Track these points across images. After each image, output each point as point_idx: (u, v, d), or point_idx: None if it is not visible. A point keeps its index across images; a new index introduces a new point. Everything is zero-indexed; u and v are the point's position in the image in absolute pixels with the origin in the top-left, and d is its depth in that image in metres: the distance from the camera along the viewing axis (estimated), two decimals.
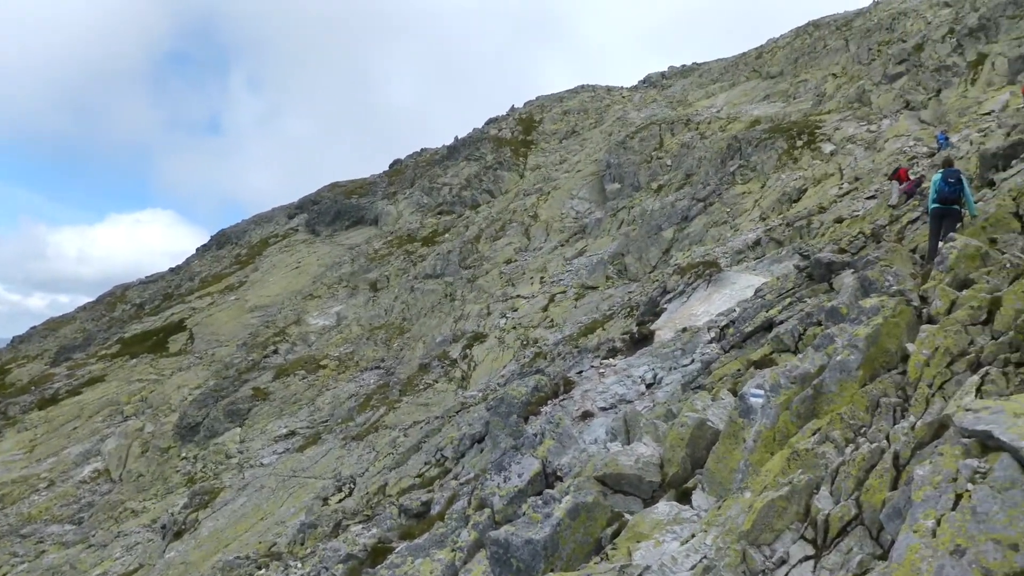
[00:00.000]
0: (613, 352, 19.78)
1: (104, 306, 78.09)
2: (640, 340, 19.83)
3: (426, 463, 22.57)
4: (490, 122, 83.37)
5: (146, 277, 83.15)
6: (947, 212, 11.21)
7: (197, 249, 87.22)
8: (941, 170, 11.55)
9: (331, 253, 69.78)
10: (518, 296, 46.47)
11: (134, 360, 57.95)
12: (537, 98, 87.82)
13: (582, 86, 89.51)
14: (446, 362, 42.57)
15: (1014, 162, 14.02)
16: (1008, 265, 7.86)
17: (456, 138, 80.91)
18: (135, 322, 67.74)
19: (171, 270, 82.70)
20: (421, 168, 78.73)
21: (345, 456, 34.79)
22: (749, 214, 36.38)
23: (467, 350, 42.59)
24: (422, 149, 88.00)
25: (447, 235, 62.27)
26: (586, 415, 14.62)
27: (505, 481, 9.85)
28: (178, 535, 33.55)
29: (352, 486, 27.58)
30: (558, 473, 9.89)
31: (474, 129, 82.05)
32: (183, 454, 43.62)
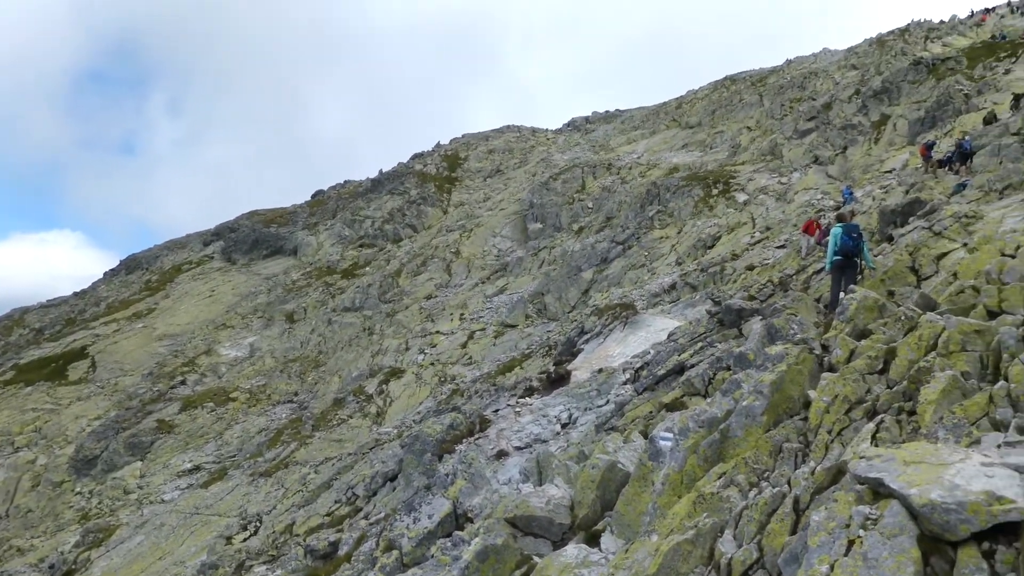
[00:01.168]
0: (530, 391, 19.83)
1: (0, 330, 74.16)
2: (557, 380, 19.94)
3: (336, 501, 22.04)
4: (415, 157, 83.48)
5: (48, 301, 79.24)
6: (848, 264, 11.74)
7: (105, 273, 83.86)
8: (842, 225, 12.07)
9: (247, 282, 68.16)
10: (437, 332, 46.23)
11: (29, 388, 55.00)
12: (463, 136, 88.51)
13: (508, 126, 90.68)
14: (362, 397, 41.87)
15: (911, 219, 14.79)
16: (903, 317, 8.25)
17: (381, 171, 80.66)
18: (33, 348, 64.43)
19: (75, 294, 79.13)
20: (344, 200, 78.03)
21: (252, 493, 33.66)
22: (666, 258, 37.25)
23: (384, 385, 42.02)
24: (345, 181, 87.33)
25: (368, 268, 61.68)
26: (501, 454, 14.56)
27: (415, 522, 9.69)
28: (68, 575, 31.75)
29: (258, 524, 26.68)
30: (469, 514, 9.80)
31: (399, 163, 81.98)
32: (77, 489, 41.46)
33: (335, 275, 62.68)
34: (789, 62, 71.50)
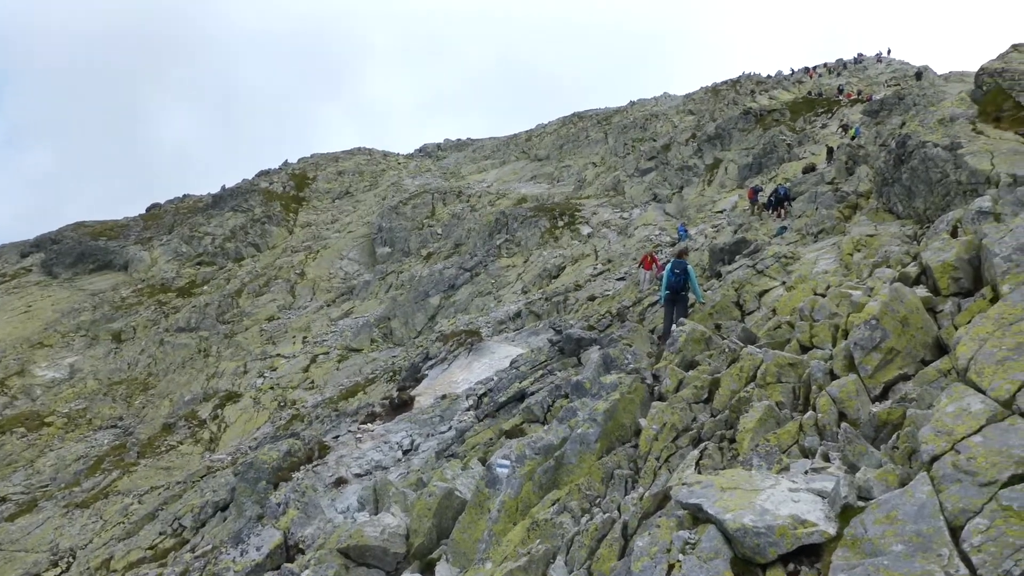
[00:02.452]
0: (372, 417, 19.55)
1: None
2: (400, 405, 19.78)
3: (161, 533, 20.73)
4: (261, 174, 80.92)
5: None
6: (676, 298, 12.37)
7: None
8: (671, 261, 12.74)
9: (70, 298, 63.30)
10: (278, 355, 44.70)
11: None
12: (312, 155, 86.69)
13: (359, 148, 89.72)
14: (194, 422, 39.70)
15: (738, 257, 15.79)
16: (727, 350, 8.75)
17: (224, 187, 77.49)
18: None
19: None
20: (182, 215, 74.28)
21: (66, 526, 31.03)
22: (512, 287, 37.86)
23: (218, 410, 40.05)
24: (185, 195, 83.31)
25: (206, 287, 58.91)
26: (340, 482, 14.23)
27: (242, 554, 9.24)
28: None
29: (71, 560, 24.64)
30: (301, 545, 9.46)
31: (244, 180, 79.09)
32: None
33: (170, 293, 59.41)
34: (632, 104, 75.14)
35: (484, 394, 15.99)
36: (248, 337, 48.68)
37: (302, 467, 15.76)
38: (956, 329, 6.20)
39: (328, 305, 51.07)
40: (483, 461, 9.55)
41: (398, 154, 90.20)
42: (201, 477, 27.54)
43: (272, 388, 40.53)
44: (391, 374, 30.78)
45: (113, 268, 68.04)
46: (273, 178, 77.88)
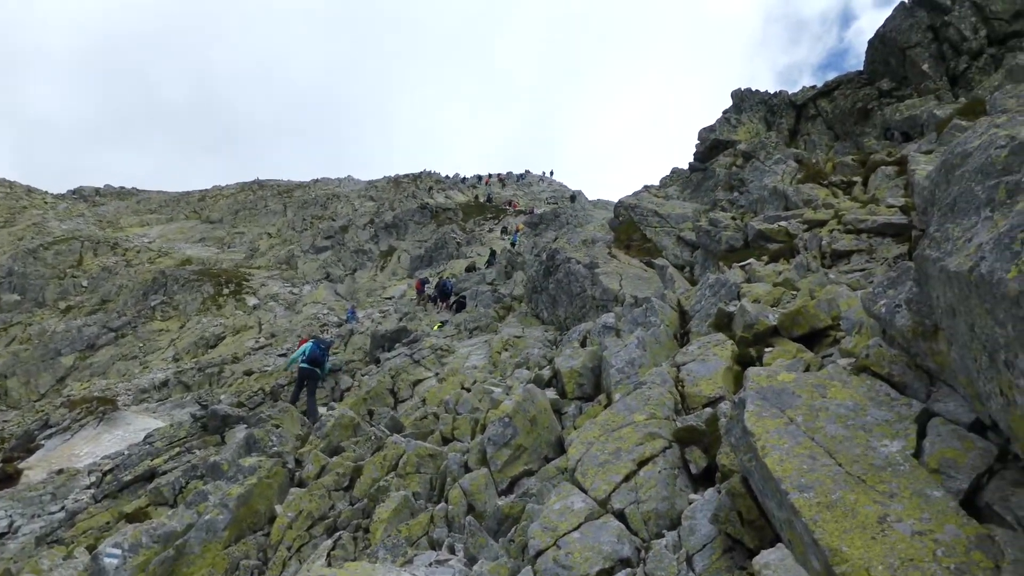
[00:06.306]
0: None
1: None
2: (4, 479, 17.21)
3: None
4: None
5: None
6: (311, 373, 12.70)
7: None
8: (314, 339, 13.15)
9: None
10: None
11: None
12: None
13: None
14: None
15: (398, 345, 16.18)
16: (373, 437, 8.81)
17: None
18: None
19: None
20: None
21: None
22: (163, 353, 35.04)
23: None
24: None
25: None
26: None
27: None
28: None
29: None
30: None
31: None
32: None
33: None
34: (316, 181, 75.21)
35: (110, 471, 14.38)
36: None
37: None
38: (575, 430, 6.85)
39: None
40: (92, 549, 8.48)
41: (46, 192, 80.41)
42: None
43: None
44: None
45: None
46: None
